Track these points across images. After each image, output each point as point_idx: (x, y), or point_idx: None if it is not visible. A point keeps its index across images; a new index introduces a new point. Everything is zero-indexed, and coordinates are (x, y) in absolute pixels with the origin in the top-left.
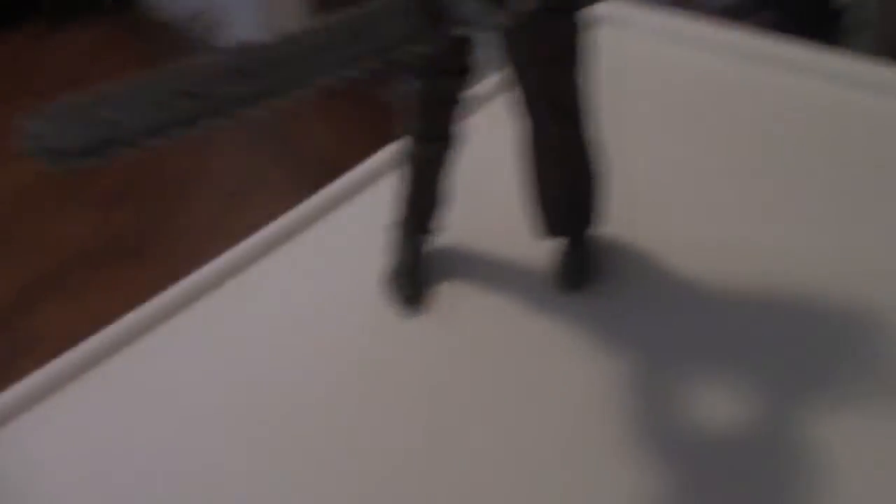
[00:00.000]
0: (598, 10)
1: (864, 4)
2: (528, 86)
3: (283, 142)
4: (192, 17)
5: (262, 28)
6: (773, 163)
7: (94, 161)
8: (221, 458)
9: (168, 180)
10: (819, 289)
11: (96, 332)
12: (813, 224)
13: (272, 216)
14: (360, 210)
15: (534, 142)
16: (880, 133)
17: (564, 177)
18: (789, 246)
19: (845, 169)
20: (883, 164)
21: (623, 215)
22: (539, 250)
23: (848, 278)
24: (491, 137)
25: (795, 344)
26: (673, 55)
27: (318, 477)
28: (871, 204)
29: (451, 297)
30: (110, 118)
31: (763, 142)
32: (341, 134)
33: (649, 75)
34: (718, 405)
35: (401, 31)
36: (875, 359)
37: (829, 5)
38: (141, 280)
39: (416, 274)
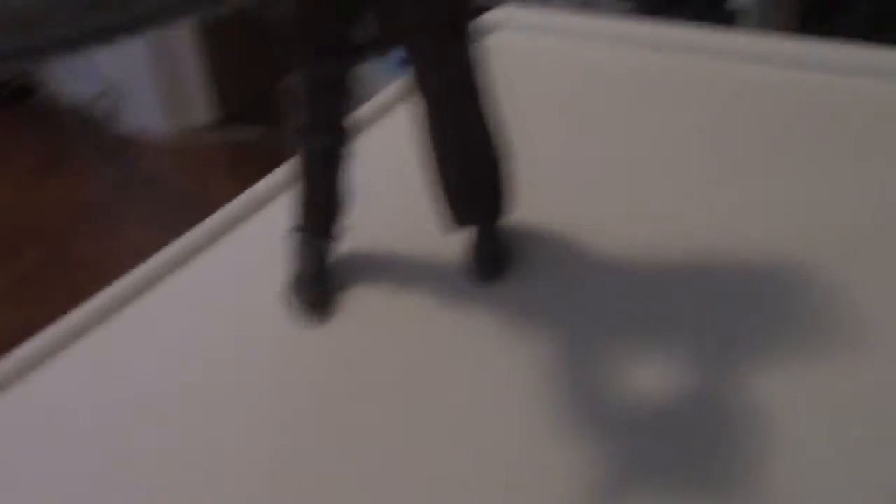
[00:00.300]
0: (493, 14)
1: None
2: (421, 60)
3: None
4: (92, 100)
5: (164, 108)
6: (668, 138)
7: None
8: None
9: (83, 262)
10: (717, 250)
11: None
12: (706, 187)
13: None
14: (253, 231)
15: (433, 123)
16: (769, 103)
17: (467, 158)
18: (683, 212)
19: (737, 135)
20: (775, 132)
21: (529, 200)
22: (448, 244)
23: (740, 235)
24: (387, 137)
25: (712, 307)
26: (566, 50)
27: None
28: (761, 163)
29: (361, 299)
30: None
31: (663, 122)
32: None
33: (546, 70)
34: (648, 377)
35: None
36: (786, 308)
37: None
38: None
39: (319, 279)
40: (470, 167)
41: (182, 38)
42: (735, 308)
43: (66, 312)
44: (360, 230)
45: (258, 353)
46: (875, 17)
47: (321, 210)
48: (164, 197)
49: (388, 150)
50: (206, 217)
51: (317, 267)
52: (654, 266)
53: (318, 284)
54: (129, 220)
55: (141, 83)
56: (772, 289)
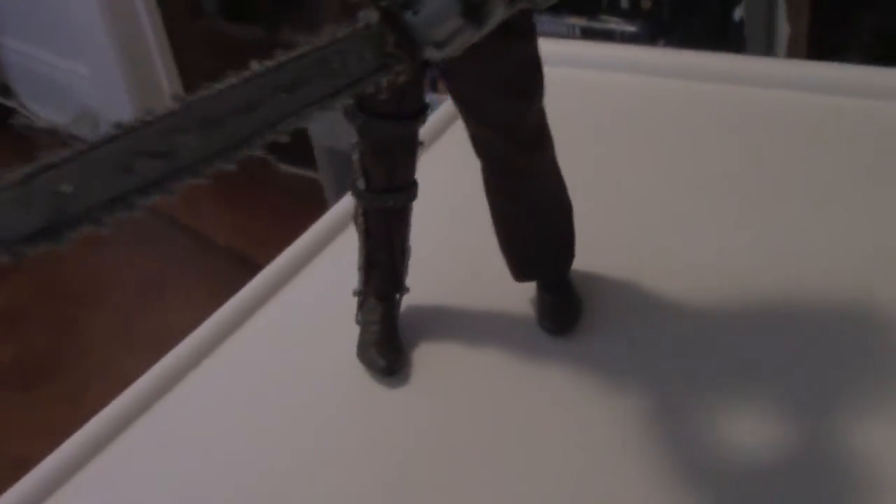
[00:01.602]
0: None
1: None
2: (486, 118)
3: (191, 236)
4: (71, 122)
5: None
6: (697, 172)
7: (46, 246)
8: None
9: (70, 291)
10: (796, 290)
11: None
12: (778, 226)
13: (185, 312)
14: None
15: (497, 178)
16: (791, 128)
17: (533, 212)
18: (729, 250)
19: (768, 164)
20: (802, 159)
21: (591, 247)
22: (513, 294)
23: (807, 272)
24: (444, 181)
25: (796, 352)
26: (574, 77)
27: None
28: (794, 193)
29: (432, 358)
30: (61, 192)
31: (687, 154)
32: (246, 222)
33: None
34: (737, 427)
35: (370, 58)
36: (874, 351)
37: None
38: (55, 397)
39: (391, 342)
40: (535, 223)
41: (159, 61)
42: (813, 350)
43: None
44: (419, 282)
45: (340, 422)
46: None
47: (387, 270)
48: (147, 215)
49: (441, 190)
50: (194, 234)
51: (387, 330)
52: (726, 311)
53: (391, 349)
54: (110, 240)
55: (120, 105)
56: (844, 327)
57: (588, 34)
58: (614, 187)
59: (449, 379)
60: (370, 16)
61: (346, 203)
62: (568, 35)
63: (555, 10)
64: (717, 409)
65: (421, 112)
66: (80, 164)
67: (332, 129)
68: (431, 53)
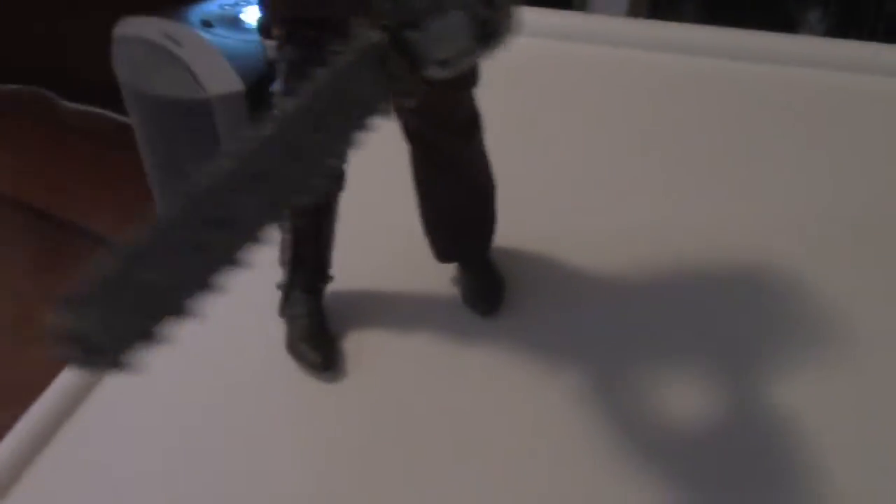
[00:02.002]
0: None
1: None
2: (420, 109)
3: None
4: None
5: None
6: (642, 142)
7: (150, 346)
8: None
9: None
10: (716, 257)
11: None
12: (690, 193)
13: None
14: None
15: (427, 163)
16: (747, 99)
17: (461, 195)
18: (670, 219)
19: (713, 135)
20: (754, 129)
21: (510, 223)
22: (435, 276)
23: (720, 239)
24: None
25: (714, 317)
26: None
27: None
28: (745, 161)
29: (362, 347)
30: (146, 282)
31: (634, 123)
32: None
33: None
34: (670, 394)
35: (379, 81)
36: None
37: None
38: None
39: (322, 333)
40: (462, 205)
41: None
42: (739, 317)
43: None
44: (341, 268)
45: (279, 421)
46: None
47: (314, 263)
48: None
49: (360, 174)
50: None
51: (317, 323)
52: (651, 280)
53: (323, 342)
54: None
55: None
56: (770, 293)
57: None
58: (528, 158)
59: (385, 368)
60: (374, 37)
61: None
62: None
63: None
64: (648, 378)
65: None
66: (154, 248)
67: (139, 72)
68: (434, 72)
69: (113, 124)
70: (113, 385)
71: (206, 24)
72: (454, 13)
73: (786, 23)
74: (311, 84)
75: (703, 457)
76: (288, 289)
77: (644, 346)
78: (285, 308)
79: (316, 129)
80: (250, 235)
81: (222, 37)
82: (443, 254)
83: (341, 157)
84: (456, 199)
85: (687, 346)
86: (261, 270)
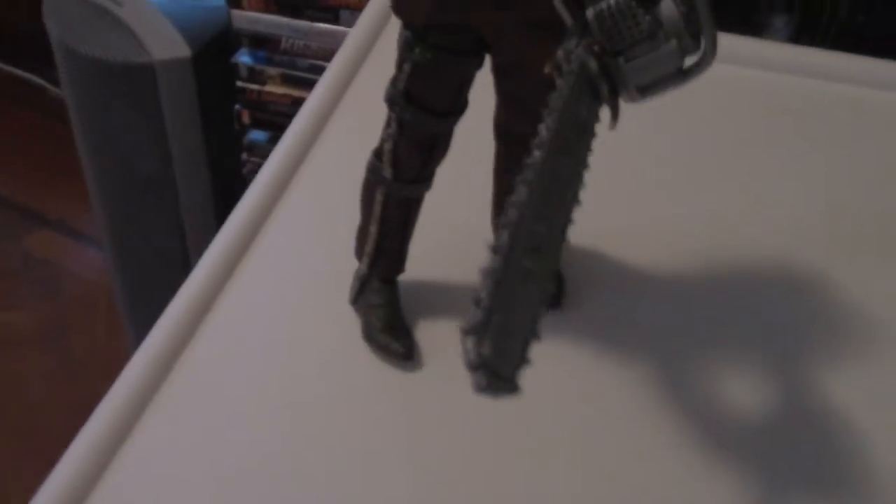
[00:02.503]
0: None
1: None
2: (530, 112)
3: None
4: None
5: None
6: (655, 143)
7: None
8: None
9: None
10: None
11: None
12: (706, 192)
13: None
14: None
15: (514, 160)
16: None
17: None
18: (689, 218)
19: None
20: (753, 133)
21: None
22: None
23: (756, 239)
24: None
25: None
26: None
27: None
28: (749, 164)
29: (435, 338)
30: (511, 308)
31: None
32: None
33: None
34: (723, 387)
35: (592, 106)
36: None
37: None
38: None
39: (400, 322)
40: None
41: None
42: (776, 312)
43: None
44: (414, 262)
45: (360, 409)
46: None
47: (396, 254)
48: None
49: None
50: None
51: (395, 313)
52: (688, 277)
53: (403, 332)
54: None
55: None
56: (802, 291)
57: None
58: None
59: (457, 358)
60: (590, 65)
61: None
62: None
63: None
64: (700, 370)
65: (466, 106)
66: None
67: (72, 30)
68: (633, 97)
69: (39, 88)
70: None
71: None
72: (666, 44)
73: (753, 27)
74: (552, 108)
75: (753, 453)
76: (367, 279)
77: (691, 340)
78: (360, 298)
79: (566, 154)
80: (555, 259)
81: None
82: None
83: (582, 181)
84: None
85: (733, 341)
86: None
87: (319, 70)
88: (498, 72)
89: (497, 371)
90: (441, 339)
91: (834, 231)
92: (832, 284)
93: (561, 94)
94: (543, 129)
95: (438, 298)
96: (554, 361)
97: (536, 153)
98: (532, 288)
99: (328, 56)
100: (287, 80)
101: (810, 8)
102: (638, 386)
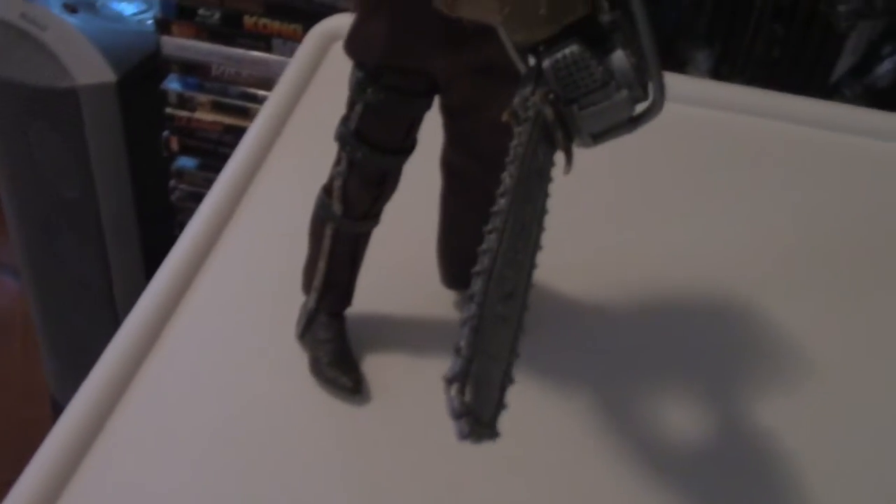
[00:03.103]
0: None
1: None
2: (479, 152)
3: None
4: None
5: None
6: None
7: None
8: None
9: None
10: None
11: None
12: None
13: None
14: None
15: (462, 195)
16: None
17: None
18: (655, 246)
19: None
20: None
21: None
22: (443, 301)
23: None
24: None
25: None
26: None
27: None
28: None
29: (381, 370)
30: (488, 355)
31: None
32: None
33: None
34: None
35: (546, 153)
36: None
37: None
38: None
39: (348, 357)
40: (477, 235)
41: None
42: (713, 341)
43: None
44: (359, 294)
45: (304, 443)
46: None
47: (344, 288)
48: None
49: None
50: None
51: (343, 347)
52: (629, 307)
53: (352, 366)
54: None
55: None
56: (739, 322)
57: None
58: None
59: (408, 389)
60: (546, 114)
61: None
62: None
63: None
64: (641, 398)
65: (415, 145)
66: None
67: None
68: (585, 143)
69: None
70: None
71: (71, 8)
72: (618, 94)
73: (676, 61)
74: (513, 157)
75: (687, 477)
76: (314, 313)
77: (627, 369)
78: (307, 333)
79: (528, 200)
80: (525, 300)
81: (89, 23)
82: (454, 280)
83: (542, 225)
84: (480, 229)
85: (656, 373)
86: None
87: (251, 97)
88: (447, 112)
89: (479, 417)
90: (389, 372)
91: (769, 262)
92: (770, 313)
93: (521, 143)
94: (507, 178)
95: (385, 330)
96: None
97: (502, 202)
98: (506, 333)
99: (260, 84)
100: (218, 108)
101: (729, 42)
102: (580, 415)
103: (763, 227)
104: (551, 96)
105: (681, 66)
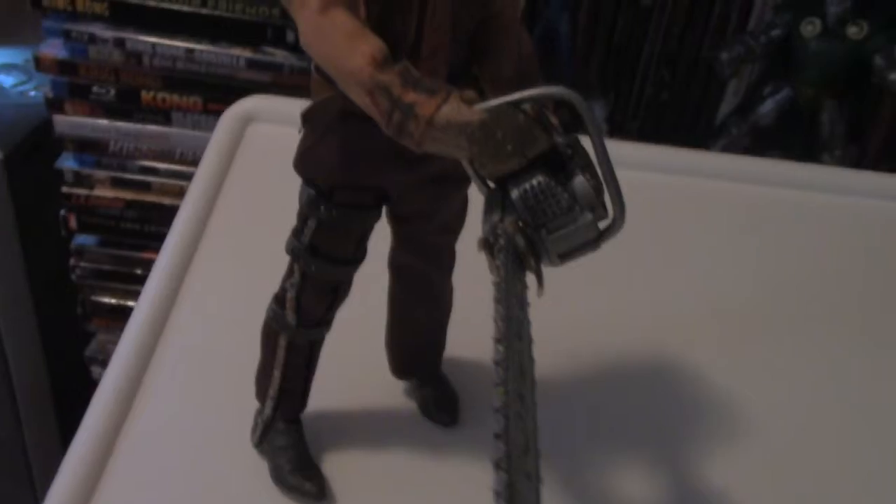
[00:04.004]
0: (245, 104)
1: None
2: (424, 251)
3: None
4: None
5: None
6: None
7: None
8: None
9: None
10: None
11: None
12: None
13: None
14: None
15: (408, 292)
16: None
17: (434, 319)
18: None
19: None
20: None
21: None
22: (391, 392)
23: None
24: None
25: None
26: None
27: None
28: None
29: (342, 469)
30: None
31: None
32: None
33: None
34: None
35: (520, 278)
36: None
37: None
38: None
39: (308, 461)
40: (432, 328)
41: None
42: (651, 404)
43: None
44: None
45: None
46: None
47: (300, 393)
48: None
49: None
50: None
51: (302, 451)
52: (571, 375)
53: (313, 471)
54: None
55: None
56: (672, 381)
57: (253, 66)
58: None
59: (369, 489)
60: (518, 242)
61: None
62: (233, 66)
63: (215, 39)
64: (592, 464)
65: (366, 254)
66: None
67: None
68: (553, 263)
69: None
70: None
71: None
72: (582, 216)
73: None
74: (498, 296)
75: None
76: (271, 421)
77: (591, 439)
78: (265, 440)
79: (518, 335)
80: (537, 451)
81: None
82: (404, 370)
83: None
84: (429, 323)
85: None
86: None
87: (152, 171)
88: (396, 219)
89: None
90: (349, 470)
91: (711, 320)
92: (716, 375)
93: (502, 279)
94: (498, 321)
95: (340, 426)
96: (457, 478)
97: (500, 348)
98: (530, 489)
99: (161, 157)
100: (118, 183)
101: (620, 90)
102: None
103: (705, 287)
104: (520, 223)
105: (578, 118)
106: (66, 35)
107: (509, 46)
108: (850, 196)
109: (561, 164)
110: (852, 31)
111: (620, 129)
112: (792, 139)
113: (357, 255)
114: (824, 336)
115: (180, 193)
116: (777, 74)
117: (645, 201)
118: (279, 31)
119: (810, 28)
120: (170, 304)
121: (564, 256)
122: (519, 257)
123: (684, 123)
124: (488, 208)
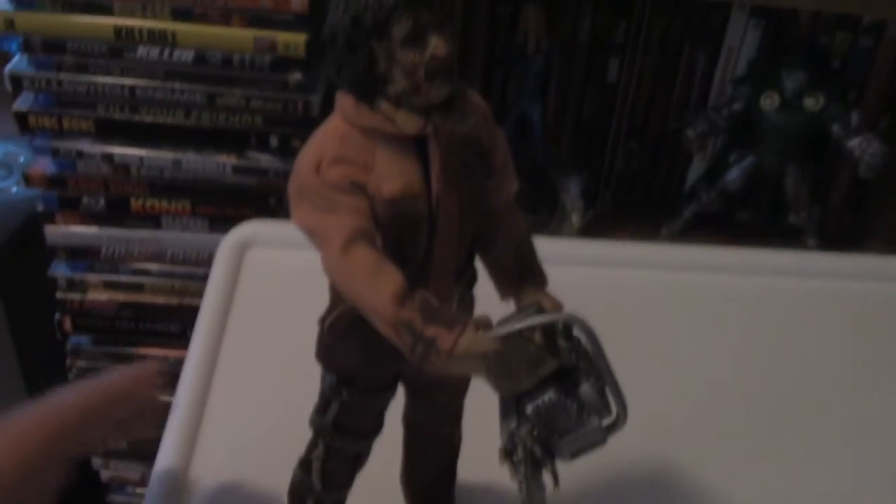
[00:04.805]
0: (241, 230)
1: None
2: (439, 411)
3: None
4: None
5: None
6: None
7: None
8: None
9: None
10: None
11: None
12: None
13: None
14: None
15: (423, 444)
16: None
17: (446, 462)
18: None
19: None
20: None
21: None
22: None
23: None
24: None
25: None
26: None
27: None
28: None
29: None
30: None
31: None
32: None
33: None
34: None
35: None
36: None
37: None
38: None
39: None
40: (444, 469)
41: None
42: None
43: None
44: None
45: None
46: None
47: (341, 494)
48: None
49: None
50: None
51: None
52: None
53: None
54: None
55: None
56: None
57: (239, 172)
58: None
59: None
60: (536, 451)
61: None
62: (219, 172)
63: (200, 148)
64: None
65: (383, 424)
66: None
67: None
68: (565, 460)
69: None
70: None
71: None
72: (590, 420)
73: (550, 191)
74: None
75: None
76: None
77: None
78: None
79: None
80: None
81: None
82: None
83: None
84: (441, 465)
85: None
86: None
87: (144, 273)
88: (410, 389)
89: None
90: None
91: (680, 418)
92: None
93: (524, 491)
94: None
95: None
96: None
97: None
98: None
99: (152, 258)
100: (111, 286)
101: (593, 162)
102: None
103: (689, 381)
104: (535, 432)
105: (555, 194)
106: (55, 153)
107: (507, 233)
108: (822, 279)
109: (567, 374)
110: (809, 102)
111: (594, 200)
112: (759, 201)
113: (377, 427)
114: (810, 426)
115: (173, 292)
116: (741, 144)
117: (621, 299)
118: (263, 136)
119: (769, 102)
120: (190, 450)
121: (576, 454)
122: (535, 461)
123: (655, 191)
124: (504, 413)
